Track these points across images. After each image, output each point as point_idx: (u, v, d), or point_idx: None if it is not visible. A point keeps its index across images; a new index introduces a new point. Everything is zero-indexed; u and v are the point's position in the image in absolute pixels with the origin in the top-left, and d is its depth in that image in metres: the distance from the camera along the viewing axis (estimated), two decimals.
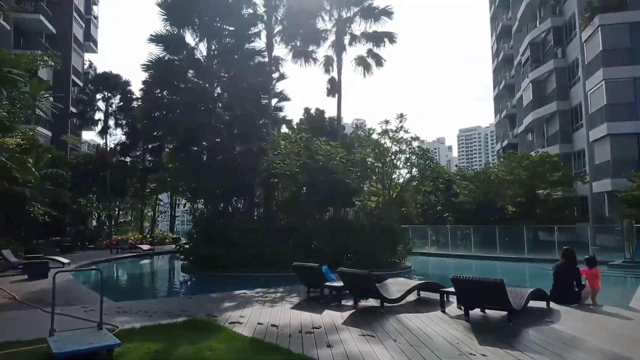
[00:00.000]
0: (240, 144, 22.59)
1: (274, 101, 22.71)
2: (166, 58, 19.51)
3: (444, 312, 8.42)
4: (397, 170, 19.44)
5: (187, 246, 20.16)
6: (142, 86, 21.00)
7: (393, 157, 19.09)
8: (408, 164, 19.30)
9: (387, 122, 19.38)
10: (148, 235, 37.88)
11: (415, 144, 19.20)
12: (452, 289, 8.70)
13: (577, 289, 8.86)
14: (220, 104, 19.79)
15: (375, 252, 17.00)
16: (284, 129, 24.10)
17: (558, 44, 38.49)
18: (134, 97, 40.46)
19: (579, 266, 9.24)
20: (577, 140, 36.34)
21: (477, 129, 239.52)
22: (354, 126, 18.92)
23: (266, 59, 22.52)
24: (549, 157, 31.86)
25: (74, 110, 41.17)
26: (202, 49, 19.97)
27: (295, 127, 21.05)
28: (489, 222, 31.27)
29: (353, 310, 8.75)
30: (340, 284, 9.71)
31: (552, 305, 8.74)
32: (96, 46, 62.42)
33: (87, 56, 58.00)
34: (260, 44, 21.97)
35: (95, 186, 40.25)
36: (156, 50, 19.62)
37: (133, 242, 32.78)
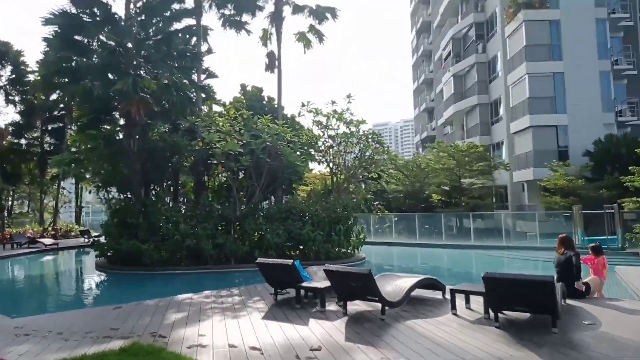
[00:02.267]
0: (166, 121, 19.54)
1: (201, 77, 19.88)
2: (73, 11, 15.89)
3: (456, 314, 6.96)
4: (346, 155, 17.87)
5: (102, 240, 16.89)
6: (44, 47, 17.01)
7: (344, 140, 17.50)
8: (358, 148, 17.85)
9: (333, 102, 17.76)
10: (50, 228, 32.76)
11: (364, 127, 17.86)
12: (462, 287, 7.28)
13: (582, 281, 7.89)
14: (143, 72, 16.63)
15: (331, 243, 15.36)
16: (216, 109, 21.44)
17: (480, 39, 39.63)
18: (29, 69, 34.82)
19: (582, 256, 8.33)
20: (496, 132, 37.74)
21: (387, 124, 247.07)
22: (302, 105, 16.95)
23: (194, 25, 19.64)
24: (475, 147, 32.60)
25: None
26: (120, 5, 16.68)
27: (229, 106, 18.48)
28: (416, 211, 31.45)
29: (345, 318, 6.96)
30: (318, 284, 7.87)
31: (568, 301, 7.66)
32: None
33: None
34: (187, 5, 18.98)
35: None
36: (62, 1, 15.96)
37: (32, 236, 28.00)
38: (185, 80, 16.87)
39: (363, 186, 19.71)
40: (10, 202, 38.15)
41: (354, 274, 6.73)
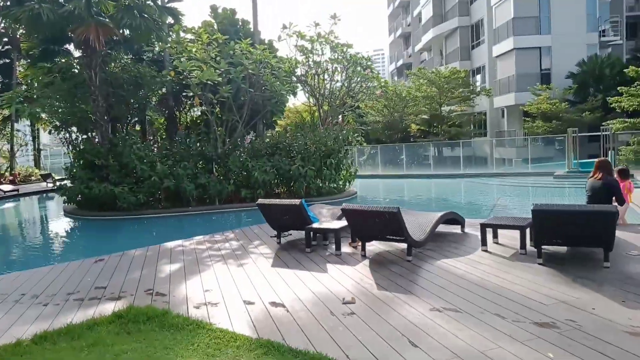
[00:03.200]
0: (129, 50, 17.47)
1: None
2: None
3: (487, 251, 6.29)
4: (334, 83, 16.42)
5: (69, 184, 15.43)
6: None
7: (331, 65, 15.97)
8: (345, 74, 16.39)
9: (317, 24, 16.00)
10: (7, 174, 30.53)
11: (351, 51, 16.31)
12: (492, 221, 6.58)
13: (618, 206, 7.35)
14: None
15: (323, 178, 14.45)
16: (184, 37, 19.07)
17: None
18: None
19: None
20: (476, 56, 36.64)
21: (357, 54, 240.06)
22: (283, 28, 15.01)
23: None
24: (458, 72, 31.50)
25: None
26: None
27: (200, 28, 16.38)
28: (395, 141, 30.73)
29: (367, 262, 6.19)
30: (330, 224, 7.02)
31: None
32: None
33: None
34: None
35: None
36: None
37: None
38: (149, 1, 14.72)
39: (349, 116, 18.50)
40: None
41: (380, 213, 5.86)
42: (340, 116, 17.65)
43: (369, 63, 16.38)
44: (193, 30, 17.52)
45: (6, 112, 33.22)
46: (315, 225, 6.91)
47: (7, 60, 32.76)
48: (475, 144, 30.32)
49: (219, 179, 14.03)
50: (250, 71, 14.38)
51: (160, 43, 15.41)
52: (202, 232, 9.41)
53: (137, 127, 20.44)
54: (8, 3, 13.92)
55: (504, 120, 33.39)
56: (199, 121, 20.16)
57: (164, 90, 19.01)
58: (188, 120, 20.31)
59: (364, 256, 6.42)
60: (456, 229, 7.71)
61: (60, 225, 15.24)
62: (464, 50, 37.68)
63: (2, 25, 31.29)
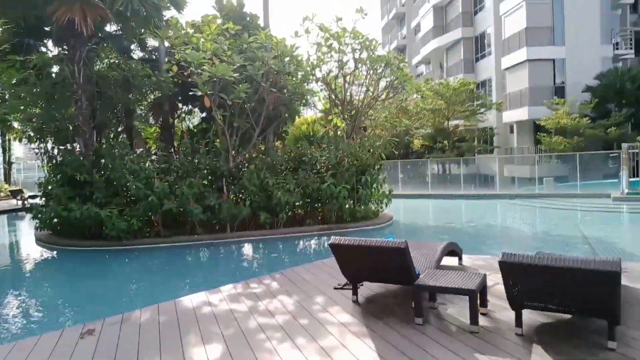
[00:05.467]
0: (117, 44, 14.93)
1: None
2: None
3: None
4: (369, 85, 14.04)
5: (41, 205, 12.65)
6: None
7: (365, 65, 13.63)
8: (375, 76, 14.06)
9: (339, 19, 13.78)
10: None
11: (380, 49, 14.09)
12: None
13: None
14: None
15: (357, 199, 12.01)
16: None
17: None
18: None
19: None
20: (481, 69, 35.29)
21: None
22: (304, 20, 12.83)
23: None
24: (468, 84, 29.73)
25: None
26: None
27: (210, 16, 13.96)
28: (396, 158, 28.27)
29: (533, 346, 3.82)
30: (444, 279, 4.60)
31: None
32: None
33: None
34: None
35: None
36: None
37: None
38: None
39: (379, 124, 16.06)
40: None
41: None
42: (364, 125, 15.38)
43: (404, 63, 14.11)
44: (194, 23, 15.13)
45: None
46: (427, 281, 4.48)
47: None
48: (513, 161, 27.93)
49: (233, 201, 11.43)
50: (273, 67, 11.96)
51: (159, 33, 12.85)
52: (223, 272, 6.98)
53: (122, 136, 17.81)
54: None
55: (513, 136, 31.77)
56: (195, 130, 17.65)
57: (157, 93, 16.56)
58: (184, 129, 17.76)
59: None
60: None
61: (29, 260, 12.07)
62: (467, 63, 36.32)
63: None
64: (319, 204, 12.19)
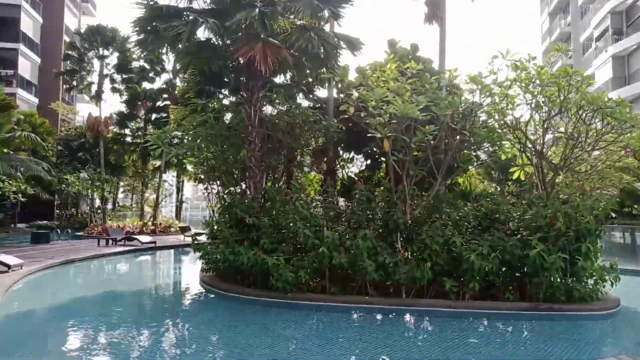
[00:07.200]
0: (287, 91, 14.91)
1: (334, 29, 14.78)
2: None
3: None
4: (580, 130, 11.37)
5: (208, 246, 12.46)
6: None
7: (575, 107, 11.08)
8: (573, 119, 11.30)
9: (533, 58, 11.57)
10: (150, 223, 30.42)
11: (588, 89, 11.37)
12: None
13: None
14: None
15: (574, 274, 9.15)
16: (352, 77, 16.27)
17: None
18: (135, 56, 32.96)
19: None
20: None
21: None
22: (494, 57, 11.23)
23: None
24: None
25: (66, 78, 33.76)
26: None
27: (390, 55, 13.11)
28: None
29: None
30: None
31: None
32: (95, 9, 54.49)
33: (85, 20, 50.19)
34: None
35: (87, 163, 33.34)
36: None
37: (130, 231, 25.58)
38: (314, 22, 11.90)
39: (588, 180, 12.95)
40: (114, 194, 37.10)
41: None
42: (570, 177, 12.50)
43: (619, 108, 11.16)
44: (363, 69, 14.32)
45: (156, 162, 34.36)
46: None
47: (164, 115, 33.96)
48: None
49: (413, 260, 9.59)
50: (461, 109, 10.32)
51: (334, 76, 12.24)
52: (400, 339, 5.00)
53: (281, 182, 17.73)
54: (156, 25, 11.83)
55: None
56: (357, 178, 16.64)
57: (320, 140, 16.17)
58: (345, 177, 16.91)
59: None
60: None
61: (193, 308, 11.34)
62: None
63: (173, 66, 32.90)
64: (520, 275, 9.62)
